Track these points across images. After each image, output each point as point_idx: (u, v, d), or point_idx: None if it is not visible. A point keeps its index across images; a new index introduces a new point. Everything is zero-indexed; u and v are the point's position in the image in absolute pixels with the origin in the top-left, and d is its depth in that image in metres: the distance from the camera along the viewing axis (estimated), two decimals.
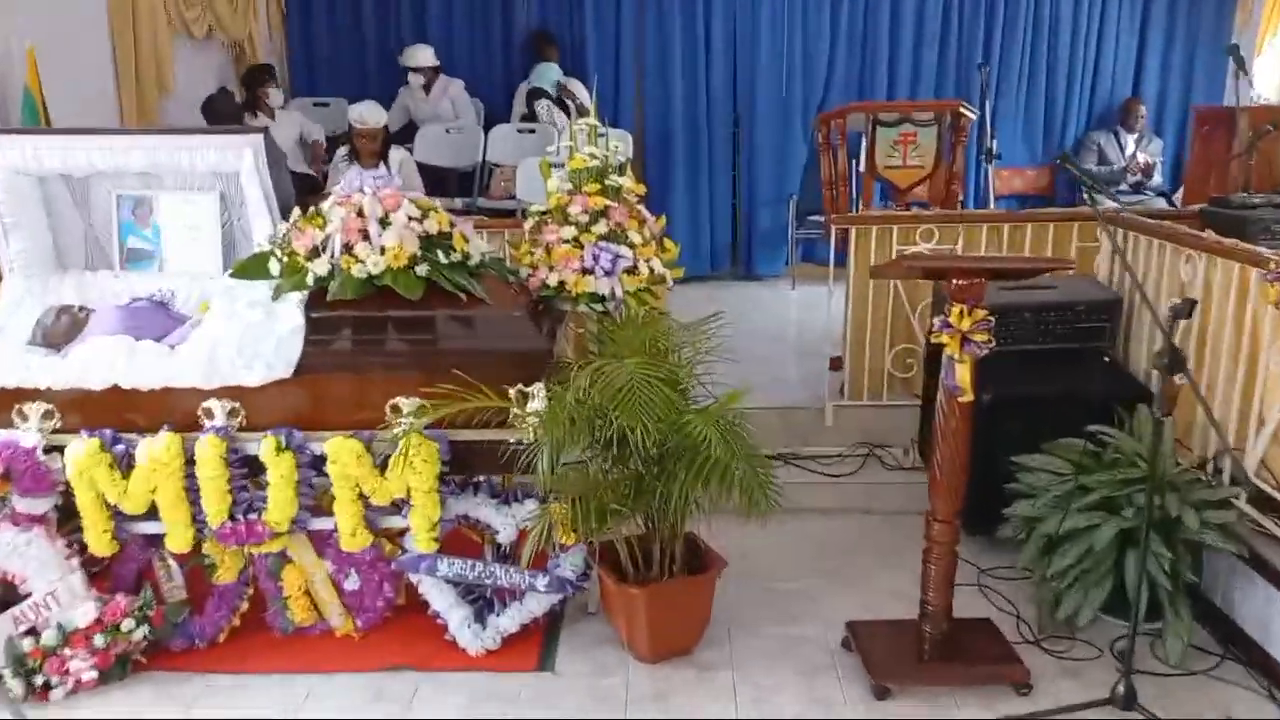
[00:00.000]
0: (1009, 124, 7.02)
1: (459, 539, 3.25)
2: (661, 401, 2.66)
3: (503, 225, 4.67)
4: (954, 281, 2.67)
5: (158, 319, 3.27)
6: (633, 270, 3.22)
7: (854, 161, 5.16)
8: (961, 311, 2.63)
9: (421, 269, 3.02)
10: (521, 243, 3.39)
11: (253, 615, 3.24)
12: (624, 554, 3.07)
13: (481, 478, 3.17)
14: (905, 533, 3.88)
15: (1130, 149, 6.77)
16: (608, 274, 3.19)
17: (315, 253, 3.04)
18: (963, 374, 2.68)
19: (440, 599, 3.13)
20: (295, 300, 3.05)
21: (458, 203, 6.45)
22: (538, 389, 3.00)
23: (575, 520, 2.86)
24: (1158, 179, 6.75)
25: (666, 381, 2.73)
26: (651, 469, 2.87)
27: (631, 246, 3.25)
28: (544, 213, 3.37)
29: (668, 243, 3.40)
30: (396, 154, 5.44)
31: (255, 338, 3.00)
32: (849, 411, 4.41)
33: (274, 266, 3.09)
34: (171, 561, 3.18)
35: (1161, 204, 6.46)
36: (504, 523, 3.12)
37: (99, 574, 3.23)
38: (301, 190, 3.40)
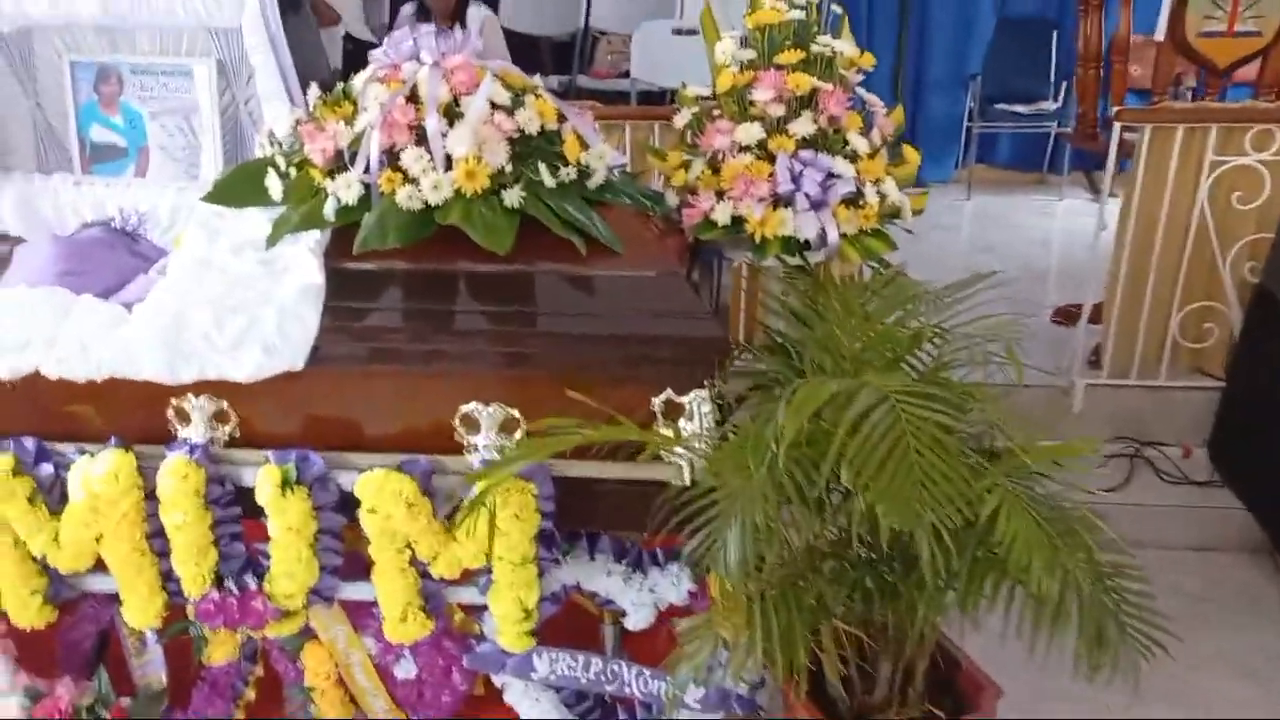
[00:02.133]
0: None
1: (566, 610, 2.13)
2: (956, 474, 1.44)
3: (619, 115, 3.42)
4: None
5: (115, 258, 2.15)
6: (856, 201, 1.95)
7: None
8: None
9: (511, 196, 1.80)
10: (670, 150, 2.13)
11: (266, 703, 2.21)
12: (832, 668, 1.91)
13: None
14: (1205, 584, 2.69)
15: None
16: (815, 206, 1.92)
17: (339, 164, 1.83)
18: None
19: (536, 712, 2.03)
20: (309, 245, 1.87)
21: (553, 81, 5.18)
22: (699, 400, 1.81)
23: (765, 633, 1.69)
24: None
25: (950, 428, 1.51)
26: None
27: (852, 159, 1.97)
28: (706, 98, 2.10)
29: (906, 150, 2.11)
30: (478, 12, 4.14)
31: (245, 302, 1.84)
32: (1106, 393, 3.12)
33: (274, 187, 1.89)
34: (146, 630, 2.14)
35: None
36: (636, 600, 1.97)
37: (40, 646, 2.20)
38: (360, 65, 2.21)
